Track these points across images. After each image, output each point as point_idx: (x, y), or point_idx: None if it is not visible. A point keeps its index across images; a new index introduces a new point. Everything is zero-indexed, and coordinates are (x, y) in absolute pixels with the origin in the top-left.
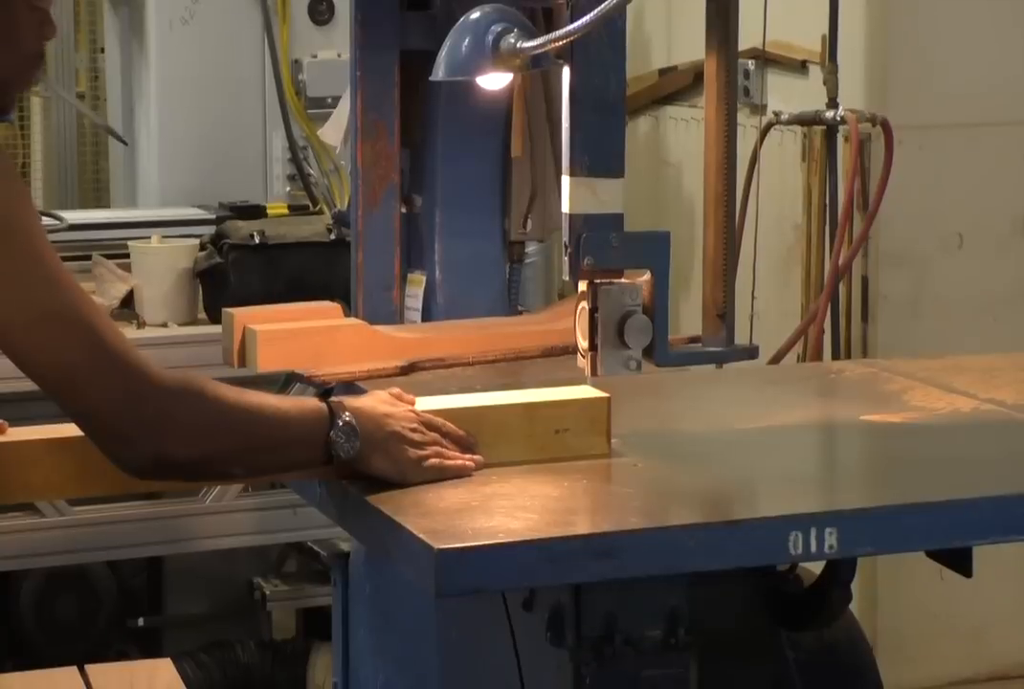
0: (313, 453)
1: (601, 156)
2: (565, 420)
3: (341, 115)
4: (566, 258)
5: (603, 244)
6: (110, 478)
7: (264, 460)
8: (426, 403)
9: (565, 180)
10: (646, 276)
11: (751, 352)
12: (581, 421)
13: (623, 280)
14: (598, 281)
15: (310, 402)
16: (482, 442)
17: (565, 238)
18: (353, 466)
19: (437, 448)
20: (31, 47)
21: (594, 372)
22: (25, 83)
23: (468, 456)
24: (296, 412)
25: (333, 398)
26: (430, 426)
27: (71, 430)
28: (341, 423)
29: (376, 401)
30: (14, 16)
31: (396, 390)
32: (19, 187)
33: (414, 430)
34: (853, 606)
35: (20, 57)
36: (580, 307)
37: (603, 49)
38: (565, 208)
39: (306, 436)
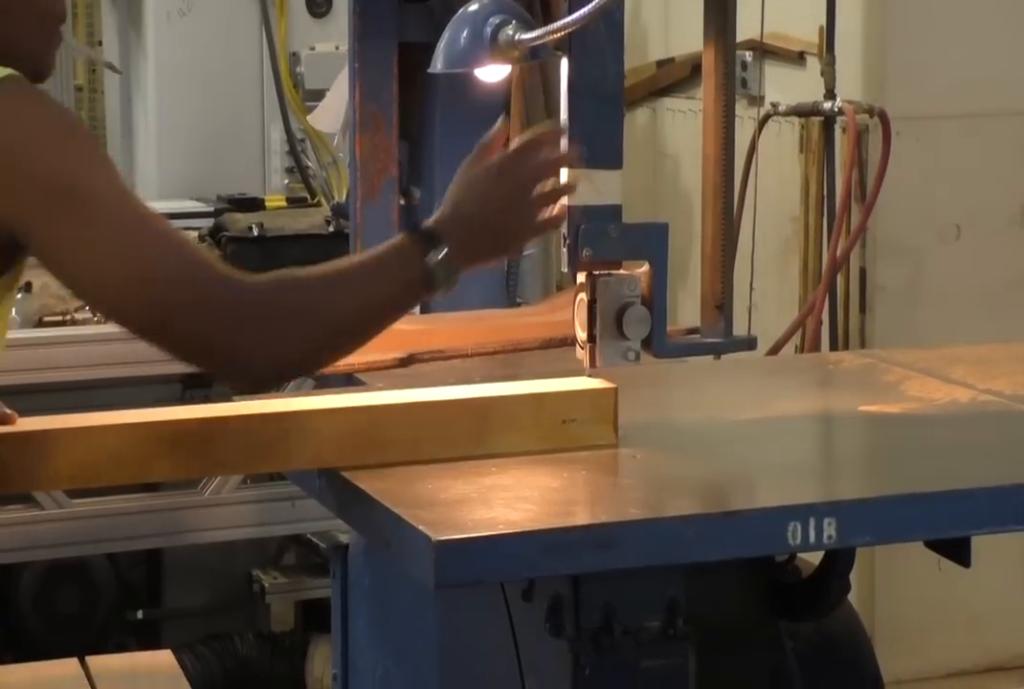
0: (412, 274)
1: (599, 148)
2: (572, 410)
3: (331, 101)
4: (565, 249)
5: (602, 235)
6: (116, 471)
7: (369, 310)
8: (432, 394)
9: (563, 171)
10: (644, 267)
11: (749, 343)
12: (588, 411)
13: (622, 271)
14: (597, 272)
15: (395, 240)
16: (490, 432)
17: (564, 229)
18: (450, 268)
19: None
20: (53, 5)
21: (593, 363)
22: (55, 43)
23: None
24: (386, 252)
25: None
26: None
27: (80, 420)
28: (419, 233)
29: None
30: None
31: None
32: (86, 145)
33: (504, 207)
34: (852, 596)
35: (46, 19)
36: (579, 298)
37: (601, 41)
38: (564, 200)
39: (398, 264)
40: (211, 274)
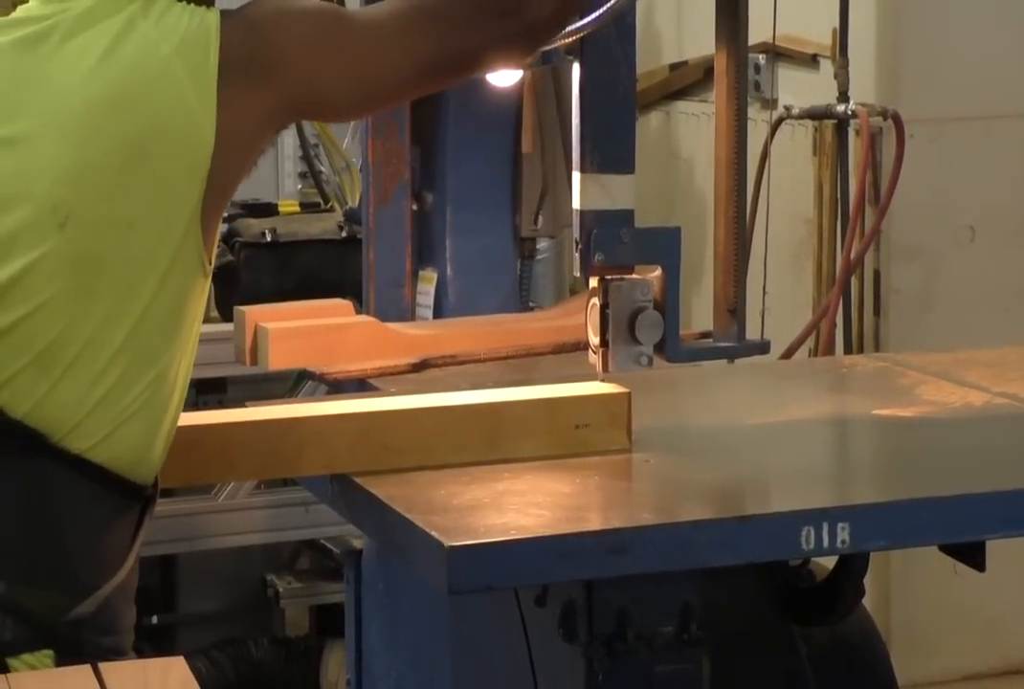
0: None
1: (612, 152)
2: (585, 415)
3: None
4: (577, 254)
5: (614, 240)
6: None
7: None
8: (444, 399)
9: (576, 176)
10: (657, 272)
11: (762, 347)
12: (601, 416)
13: (634, 276)
14: (609, 277)
15: None
16: (503, 437)
17: (576, 235)
18: None
19: None
20: None
21: (605, 368)
22: None
23: None
24: None
25: None
26: None
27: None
28: None
29: None
30: None
31: None
32: None
33: None
34: (866, 600)
35: None
36: (591, 303)
37: (613, 45)
38: (576, 204)
39: None
40: None
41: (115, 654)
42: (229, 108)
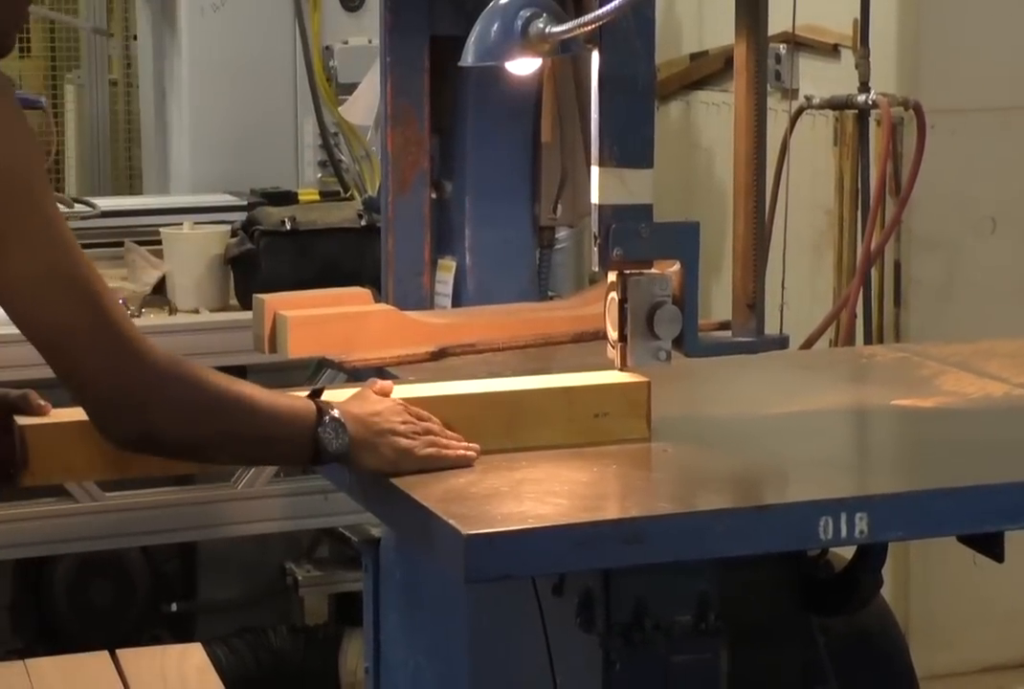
0: (300, 449)
1: (630, 146)
2: (605, 404)
3: (362, 93)
4: (595, 249)
5: (632, 235)
6: (150, 460)
7: (250, 450)
8: (464, 387)
9: (594, 170)
10: (676, 266)
11: (780, 342)
12: (621, 405)
13: (653, 271)
14: (627, 272)
15: (300, 399)
16: (521, 426)
17: (594, 229)
18: (342, 463)
19: (431, 438)
20: None
21: (624, 363)
22: (23, 20)
23: (465, 445)
24: (286, 406)
25: (323, 398)
26: (420, 418)
27: None
28: (328, 419)
29: (361, 400)
30: None
31: (378, 385)
32: (34, 150)
33: (404, 422)
34: (886, 591)
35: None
36: (610, 298)
37: (631, 35)
38: (594, 199)
39: (294, 431)
40: (124, 332)
41: None
42: None
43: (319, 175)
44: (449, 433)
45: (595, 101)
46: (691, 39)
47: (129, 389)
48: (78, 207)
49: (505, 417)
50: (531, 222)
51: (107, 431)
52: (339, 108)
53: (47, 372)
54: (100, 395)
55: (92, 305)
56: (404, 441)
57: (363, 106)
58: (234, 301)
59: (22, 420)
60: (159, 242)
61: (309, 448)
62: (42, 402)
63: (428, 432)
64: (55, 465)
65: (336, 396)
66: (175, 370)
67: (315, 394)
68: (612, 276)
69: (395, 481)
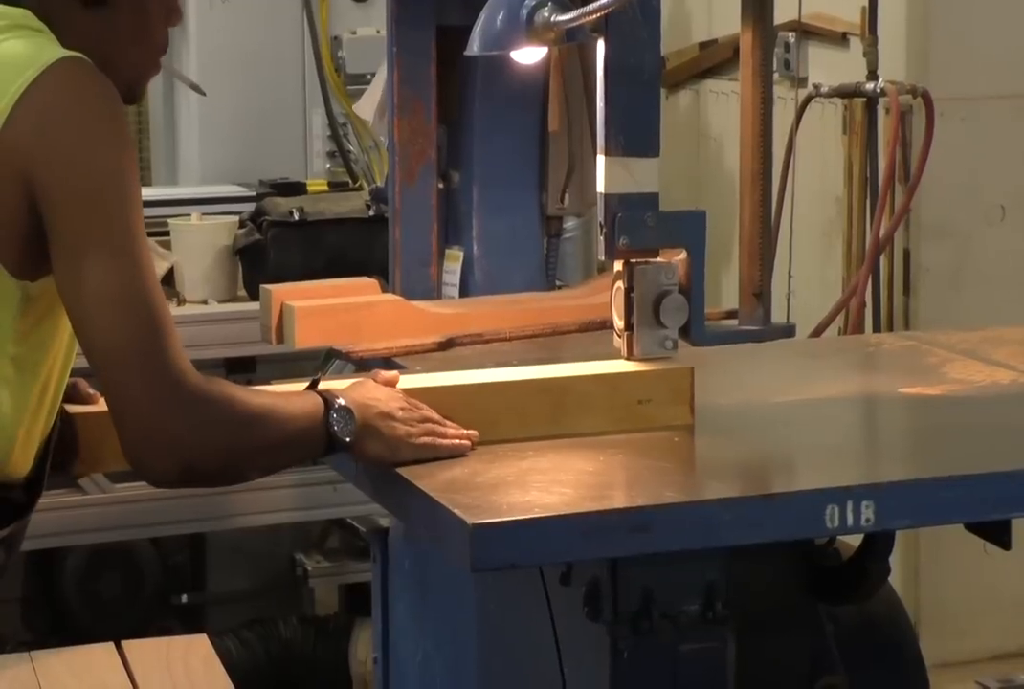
0: (316, 443)
1: (636, 135)
2: (648, 390)
3: (376, 90)
4: (601, 238)
5: (638, 224)
6: None
7: (278, 458)
8: (507, 374)
9: (600, 160)
10: (682, 255)
11: (787, 331)
12: (664, 391)
13: (659, 259)
14: (634, 261)
15: (304, 393)
16: (564, 413)
17: (600, 218)
18: (350, 451)
19: (429, 426)
20: (161, 38)
21: (630, 352)
22: (154, 72)
23: (464, 433)
24: (297, 406)
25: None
26: (418, 408)
27: None
28: (337, 407)
29: (361, 387)
30: (147, 12)
31: (381, 376)
32: (130, 158)
33: (402, 408)
34: (895, 579)
35: (152, 51)
36: (616, 287)
37: (637, 24)
38: (600, 188)
39: (309, 426)
40: (176, 362)
41: None
42: None
43: (328, 165)
44: (447, 422)
45: (601, 90)
46: (700, 28)
47: (167, 424)
48: None
49: (550, 404)
50: (538, 212)
51: (147, 469)
52: (353, 106)
53: (77, 363)
54: (140, 426)
55: (151, 330)
56: (402, 427)
57: (375, 102)
58: (242, 292)
59: (72, 408)
60: (167, 233)
61: (324, 440)
62: (91, 391)
63: (426, 420)
64: (106, 452)
65: (335, 386)
66: (214, 397)
67: (313, 385)
68: (618, 265)
69: (401, 471)
